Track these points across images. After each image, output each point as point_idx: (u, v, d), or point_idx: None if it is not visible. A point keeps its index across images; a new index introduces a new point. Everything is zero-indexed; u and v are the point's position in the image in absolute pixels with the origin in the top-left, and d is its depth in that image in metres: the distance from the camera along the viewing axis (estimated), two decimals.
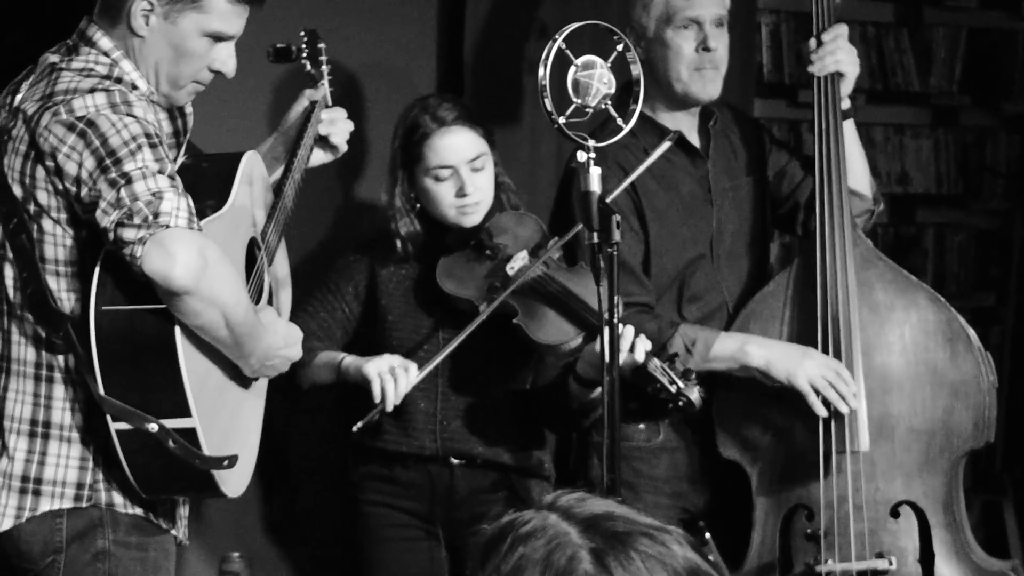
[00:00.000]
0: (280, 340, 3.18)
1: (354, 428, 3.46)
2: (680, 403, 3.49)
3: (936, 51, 5.68)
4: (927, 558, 3.81)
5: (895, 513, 3.82)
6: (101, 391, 2.95)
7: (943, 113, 5.73)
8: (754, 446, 3.87)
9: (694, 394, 3.49)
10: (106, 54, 3.06)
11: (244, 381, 3.21)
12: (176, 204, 2.89)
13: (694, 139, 3.96)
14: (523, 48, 4.44)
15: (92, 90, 2.97)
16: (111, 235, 2.88)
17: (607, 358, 3.21)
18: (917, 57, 5.65)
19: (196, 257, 2.87)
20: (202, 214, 2.98)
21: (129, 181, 2.89)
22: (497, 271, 3.66)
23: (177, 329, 2.94)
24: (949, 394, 3.83)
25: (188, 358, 2.96)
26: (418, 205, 3.74)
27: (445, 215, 3.71)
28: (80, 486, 3.04)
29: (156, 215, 2.86)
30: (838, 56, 3.88)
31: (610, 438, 3.20)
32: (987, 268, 5.80)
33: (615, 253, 3.19)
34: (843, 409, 3.73)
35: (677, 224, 3.89)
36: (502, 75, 4.44)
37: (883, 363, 3.83)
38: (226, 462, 3.03)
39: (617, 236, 3.17)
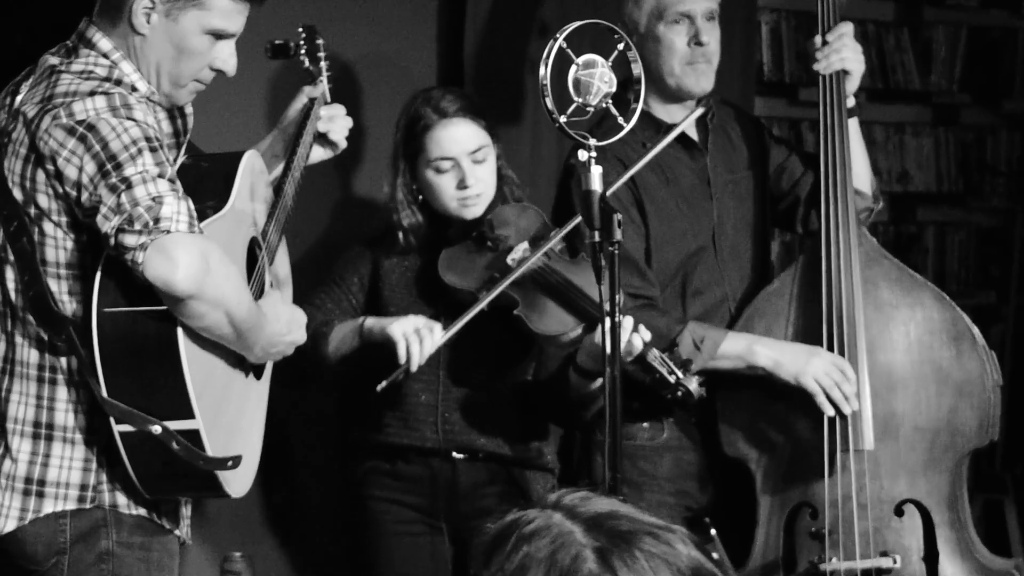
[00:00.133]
0: (283, 327, 3.18)
1: (378, 387, 3.48)
2: (679, 393, 3.50)
3: (936, 50, 5.68)
4: (931, 556, 3.81)
5: (899, 511, 3.81)
6: (104, 393, 2.94)
7: (943, 112, 5.73)
8: (758, 444, 3.86)
9: (693, 384, 3.49)
10: (105, 56, 3.05)
11: (247, 379, 3.21)
12: (176, 208, 2.88)
13: (692, 132, 3.97)
14: (524, 47, 4.43)
15: (92, 93, 2.96)
16: (112, 241, 2.87)
17: (608, 359, 3.20)
18: (917, 56, 5.65)
19: (198, 261, 2.86)
20: (203, 215, 2.98)
21: (129, 186, 2.88)
22: (498, 263, 3.66)
23: (179, 330, 2.94)
24: (954, 393, 3.83)
25: (191, 359, 2.95)
26: (420, 197, 3.74)
27: (446, 207, 3.71)
28: (84, 487, 3.04)
29: (157, 220, 2.86)
30: (844, 54, 3.88)
31: (612, 436, 3.20)
32: (987, 266, 5.80)
33: (616, 252, 3.18)
34: (846, 410, 3.74)
35: (677, 217, 3.89)
36: (503, 74, 4.44)
37: (888, 361, 3.83)
38: (230, 463, 3.03)
39: (618, 235, 3.17)
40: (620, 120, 3.32)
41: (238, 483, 3.11)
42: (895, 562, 3.77)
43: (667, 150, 3.86)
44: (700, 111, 3.87)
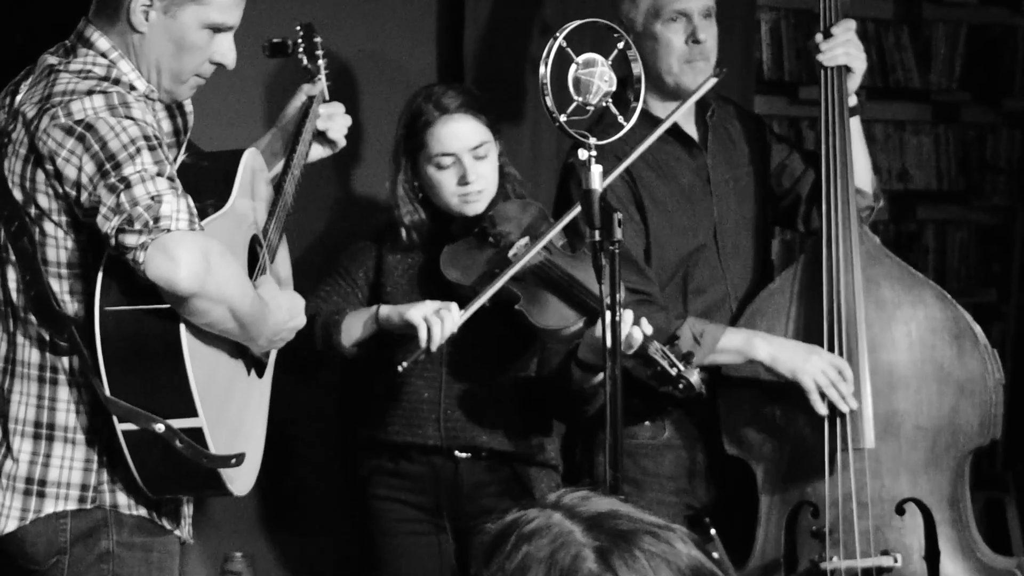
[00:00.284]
0: (285, 314, 3.18)
1: (399, 367, 3.49)
2: (680, 386, 3.50)
3: (936, 48, 5.67)
4: (932, 555, 3.81)
5: (900, 510, 3.81)
6: (107, 392, 2.94)
7: (944, 110, 5.72)
8: (759, 443, 3.86)
9: (694, 376, 3.49)
10: (104, 55, 3.05)
11: (249, 377, 3.21)
12: (176, 207, 2.88)
13: (691, 130, 3.97)
14: (524, 46, 4.43)
15: (90, 92, 2.96)
16: (112, 240, 2.87)
17: (609, 356, 3.20)
18: (917, 54, 5.65)
19: (199, 259, 2.86)
20: (203, 213, 2.98)
21: (128, 186, 2.88)
22: (500, 259, 3.66)
23: (182, 328, 2.94)
24: (955, 392, 3.83)
25: (194, 357, 2.95)
26: (421, 194, 3.74)
27: (448, 203, 3.71)
28: (84, 488, 3.03)
29: (156, 219, 2.85)
30: (849, 49, 3.88)
31: (613, 435, 3.20)
32: (988, 265, 5.80)
33: (616, 251, 3.18)
34: (843, 409, 3.74)
35: (677, 214, 3.89)
36: (503, 73, 4.44)
37: (889, 360, 3.83)
38: (233, 460, 3.03)
39: (619, 234, 3.17)
40: (620, 119, 3.32)
41: (241, 481, 3.11)
42: (896, 561, 3.77)
43: (666, 148, 3.86)
44: (713, 81, 3.82)
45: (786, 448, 3.85)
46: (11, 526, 3.04)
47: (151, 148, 2.92)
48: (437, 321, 3.49)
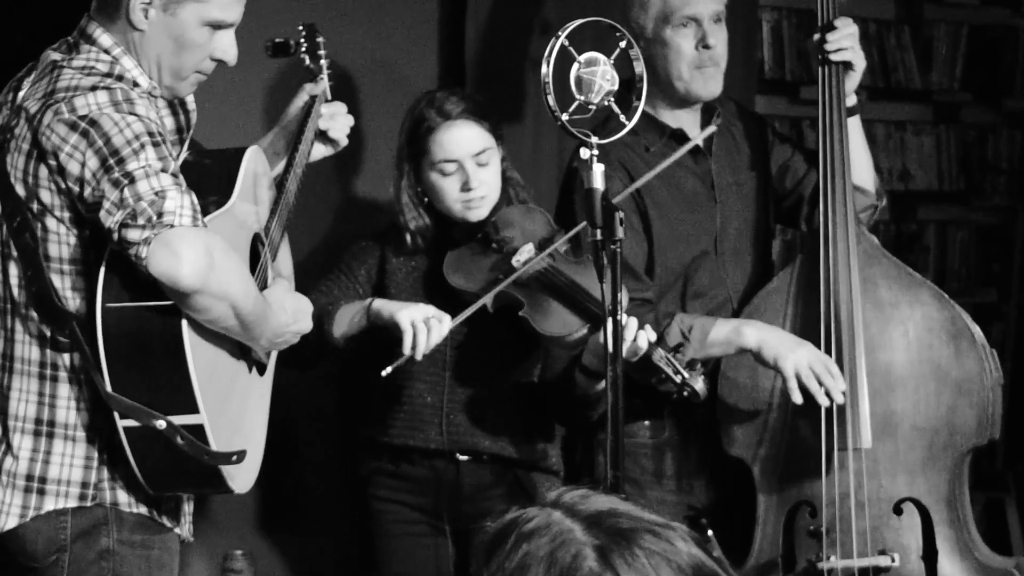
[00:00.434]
0: (289, 316, 3.18)
1: (383, 373, 3.47)
2: (685, 393, 3.50)
3: (937, 48, 5.68)
4: (930, 555, 3.81)
5: (898, 510, 3.81)
6: (109, 388, 2.95)
7: (944, 110, 5.73)
8: (757, 443, 3.86)
9: (699, 384, 3.49)
10: (106, 51, 3.06)
11: (251, 374, 3.21)
12: (180, 202, 2.88)
13: (696, 136, 3.95)
14: (525, 45, 4.43)
15: (94, 88, 2.97)
16: (115, 236, 2.87)
17: (611, 354, 3.21)
18: (918, 54, 5.65)
19: (203, 255, 2.86)
20: (205, 211, 2.98)
21: (132, 181, 2.88)
22: (503, 265, 3.66)
23: (184, 325, 2.94)
24: (953, 391, 3.83)
25: (196, 354, 2.95)
26: (426, 199, 3.74)
27: (451, 209, 3.71)
28: (85, 485, 3.04)
29: (160, 215, 2.86)
30: (853, 43, 3.87)
31: (614, 434, 3.20)
32: (989, 265, 5.80)
33: (618, 250, 3.18)
34: (822, 401, 3.70)
35: (680, 221, 3.88)
36: (504, 72, 4.44)
37: (886, 360, 3.83)
38: (235, 457, 3.03)
39: (620, 233, 3.17)
40: (622, 118, 3.32)
41: (242, 479, 3.11)
42: (894, 560, 3.77)
43: (669, 154, 3.85)
44: (713, 128, 3.85)
45: (783, 448, 3.85)
46: (11, 523, 3.04)
47: (155, 144, 2.92)
48: (424, 330, 3.48)
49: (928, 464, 3.82)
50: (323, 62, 3.64)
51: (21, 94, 3.06)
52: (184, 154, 3.19)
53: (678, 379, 3.49)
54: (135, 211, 2.86)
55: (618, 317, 3.19)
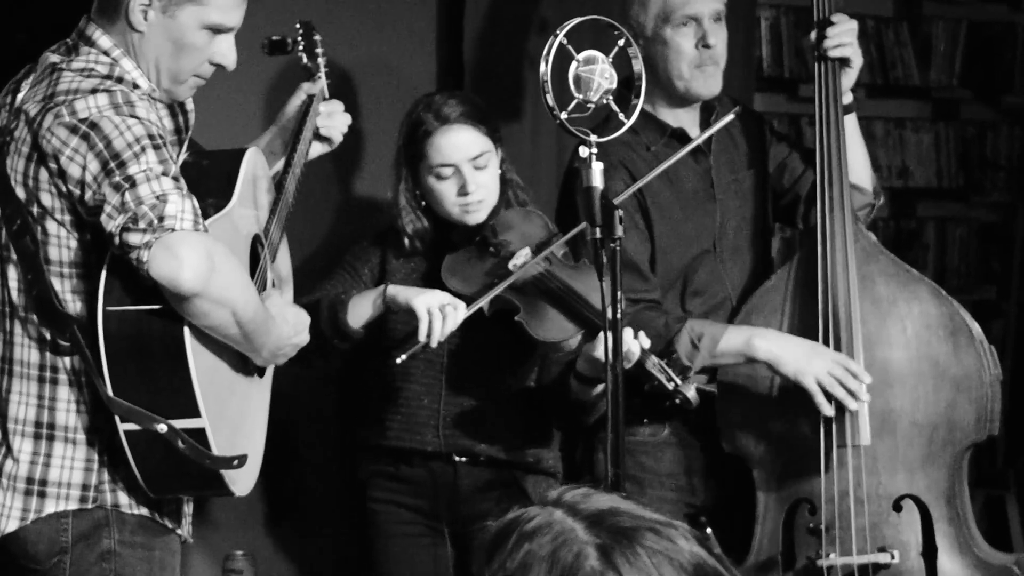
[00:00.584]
0: (290, 329, 3.17)
1: (397, 360, 3.47)
2: (677, 400, 3.50)
3: (936, 45, 5.68)
4: (930, 552, 3.81)
5: (897, 507, 3.81)
6: (110, 392, 2.94)
7: (943, 107, 5.73)
8: (757, 441, 3.86)
9: (691, 392, 3.49)
10: (106, 53, 3.05)
11: (250, 377, 3.21)
12: (181, 206, 2.87)
13: (695, 134, 3.95)
14: (524, 43, 4.43)
15: (94, 91, 2.96)
16: (117, 240, 2.87)
17: (610, 351, 3.20)
18: (917, 51, 5.65)
19: (203, 260, 2.85)
20: (205, 212, 2.97)
21: (133, 184, 2.87)
22: (500, 268, 3.65)
23: (185, 329, 2.93)
24: (951, 388, 3.83)
25: (197, 358, 2.95)
26: (424, 202, 3.73)
27: (449, 213, 3.70)
28: (85, 487, 3.03)
29: (161, 218, 2.85)
30: (850, 39, 3.86)
31: (615, 433, 3.20)
32: (988, 262, 5.80)
33: (617, 248, 3.18)
34: (851, 406, 3.71)
35: (681, 221, 3.88)
36: (502, 70, 4.43)
37: (885, 357, 3.83)
38: (236, 462, 3.02)
39: (620, 231, 3.17)
40: (621, 117, 3.32)
41: (242, 482, 3.11)
42: (893, 557, 3.77)
43: (670, 153, 3.85)
44: (731, 117, 3.83)
45: (783, 446, 3.85)
46: (12, 526, 3.03)
47: (156, 147, 2.92)
48: (439, 317, 3.48)
49: (927, 461, 3.82)
50: (320, 60, 3.63)
51: (20, 96, 3.06)
52: (183, 155, 3.19)
53: (670, 386, 3.49)
54: (136, 215, 2.85)
55: (617, 316, 3.19)
